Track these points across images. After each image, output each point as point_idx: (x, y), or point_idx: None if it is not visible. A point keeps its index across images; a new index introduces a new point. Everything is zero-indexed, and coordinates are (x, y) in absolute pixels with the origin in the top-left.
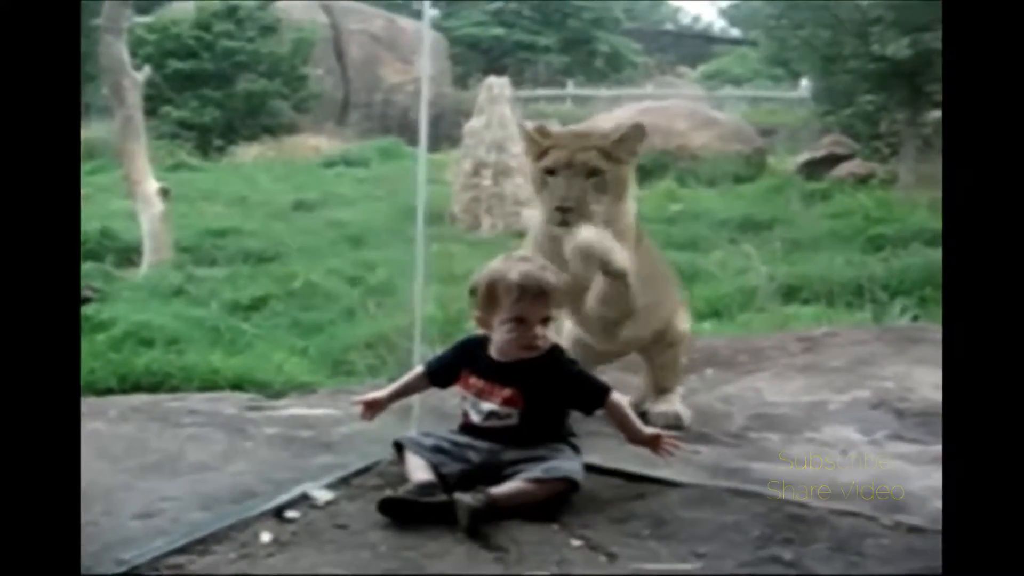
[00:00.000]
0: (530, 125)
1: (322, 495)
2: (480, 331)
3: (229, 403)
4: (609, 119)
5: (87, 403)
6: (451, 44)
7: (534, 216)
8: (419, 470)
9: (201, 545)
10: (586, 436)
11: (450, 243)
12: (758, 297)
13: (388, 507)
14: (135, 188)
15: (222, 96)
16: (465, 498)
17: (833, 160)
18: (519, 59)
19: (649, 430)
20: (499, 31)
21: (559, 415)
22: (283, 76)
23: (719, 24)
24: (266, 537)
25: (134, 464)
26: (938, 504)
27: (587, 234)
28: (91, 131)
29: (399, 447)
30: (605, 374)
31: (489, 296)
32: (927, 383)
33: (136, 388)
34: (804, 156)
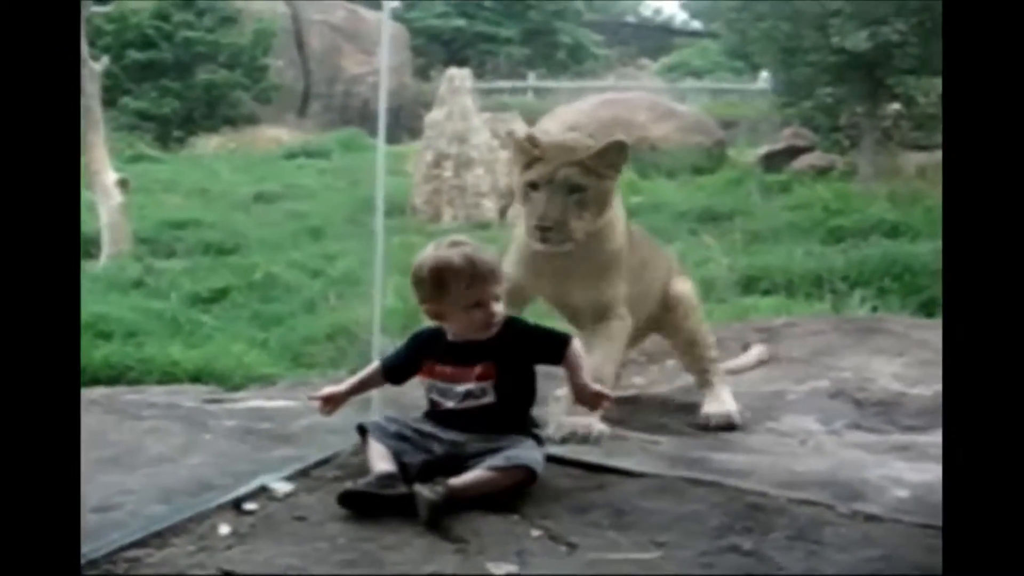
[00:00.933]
0: (520, 134)
1: (281, 487)
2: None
3: (188, 396)
4: (570, 111)
5: None
6: (412, 35)
7: (520, 218)
8: (381, 459)
9: (159, 538)
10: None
11: (412, 235)
12: (718, 288)
13: (348, 500)
14: (93, 179)
15: (182, 87)
16: (424, 490)
17: (793, 152)
18: (480, 51)
19: (594, 387)
20: (460, 23)
21: (529, 388)
22: (243, 67)
23: (680, 17)
24: (225, 529)
25: (92, 457)
26: (896, 493)
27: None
28: None
29: (363, 431)
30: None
31: (438, 285)
32: (885, 373)
33: (95, 381)
34: (764, 148)
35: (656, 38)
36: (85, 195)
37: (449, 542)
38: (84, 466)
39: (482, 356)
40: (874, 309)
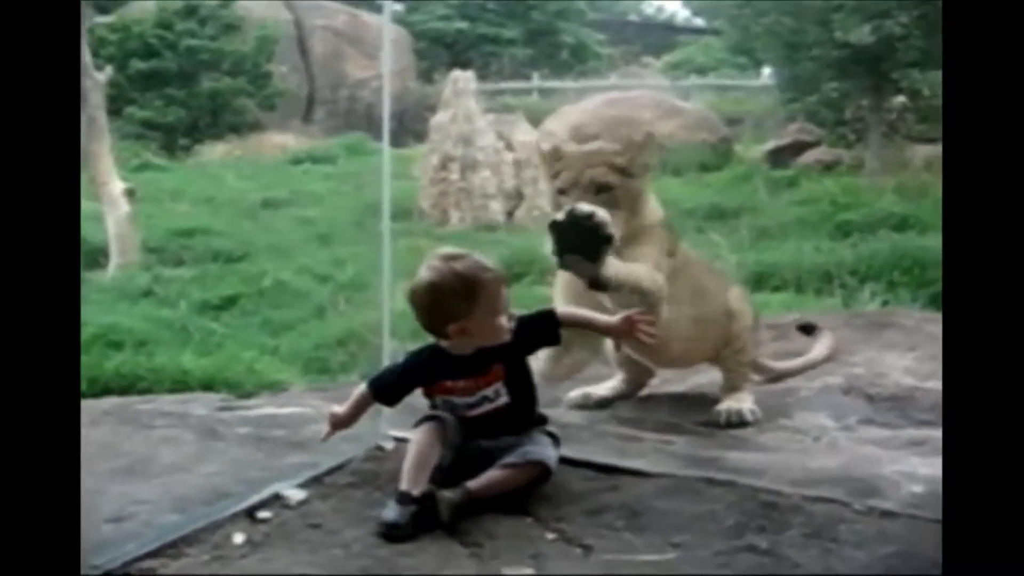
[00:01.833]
0: (546, 146)
1: (295, 494)
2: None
3: (200, 404)
4: (575, 111)
5: None
6: (415, 39)
7: None
8: (420, 469)
9: (174, 548)
10: (557, 429)
11: (419, 238)
12: None
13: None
14: (100, 189)
15: (186, 95)
16: (446, 494)
17: (799, 147)
18: (484, 52)
19: (616, 318)
20: (463, 25)
21: (530, 378)
22: (247, 74)
23: (683, 14)
24: (239, 538)
25: (106, 468)
26: (910, 488)
27: (611, 270)
28: None
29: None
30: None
31: (470, 300)
32: (897, 368)
33: (106, 391)
34: (770, 144)
35: (659, 36)
36: (92, 205)
37: (463, 546)
38: (98, 477)
39: (491, 360)
40: (885, 303)
